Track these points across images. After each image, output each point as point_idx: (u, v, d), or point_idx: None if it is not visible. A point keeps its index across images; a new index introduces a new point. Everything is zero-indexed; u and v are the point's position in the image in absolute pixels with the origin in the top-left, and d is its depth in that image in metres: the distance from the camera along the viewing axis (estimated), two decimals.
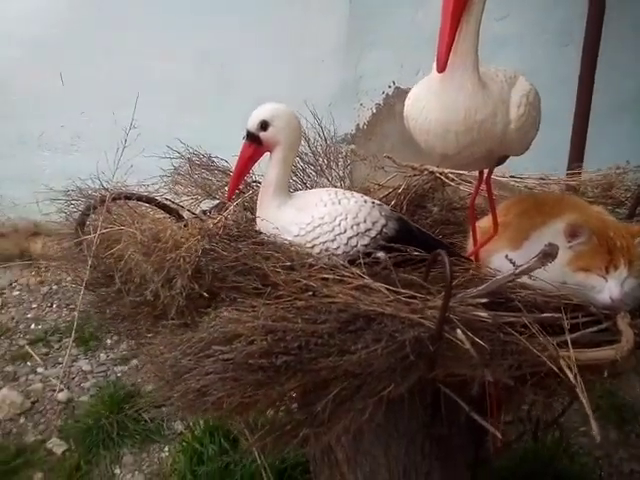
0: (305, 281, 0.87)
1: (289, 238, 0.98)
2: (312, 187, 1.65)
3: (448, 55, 0.91)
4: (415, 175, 1.89)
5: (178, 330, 0.88)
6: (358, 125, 3.46)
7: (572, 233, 1.00)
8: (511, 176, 1.76)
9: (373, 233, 0.98)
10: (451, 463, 1.42)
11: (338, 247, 0.97)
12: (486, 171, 1.17)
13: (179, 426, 2.21)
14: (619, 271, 0.98)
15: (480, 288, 0.89)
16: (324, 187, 1.70)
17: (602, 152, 2.40)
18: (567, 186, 1.61)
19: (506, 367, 0.89)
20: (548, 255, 0.83)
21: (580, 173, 1.82)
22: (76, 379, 2.51)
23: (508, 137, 1.00)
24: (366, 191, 1.87)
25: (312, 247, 0.97)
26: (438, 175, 1.88)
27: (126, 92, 3.01)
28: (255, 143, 0.99)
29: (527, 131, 1.04)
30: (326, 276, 0.89)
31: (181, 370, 0.83)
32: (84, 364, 2.59)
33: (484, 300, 0.87)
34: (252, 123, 0.97)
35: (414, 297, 0.88)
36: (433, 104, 0.97)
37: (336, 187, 1.73)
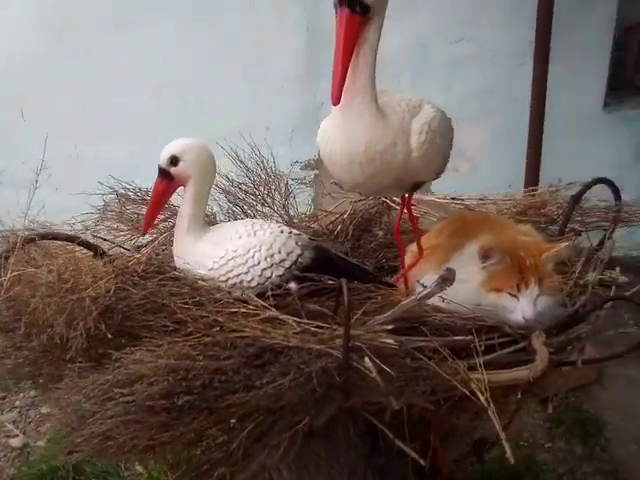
0: (212, 316, 0.87)
1: (203, 272, 0.98)
2: (254, 217, 1.67)
3: (341, 87, 0.92)
4: (361, 200, 1.91)
5: (86, 373, 0.87)
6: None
7: (484, 254, 1.01)
8: (452, 198, 1.79)
9: (288, 263, 0.99)
10: None
11: (252, 279, 0.97)
12: (408, 196, 1.18)
13: (138, 467, 2.15)
14: (530, 289, 0.98)
15: (386, 314, 0.89)
16: (267, 216, 1.72)
17: (559, 168, 2.47)
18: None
19: (419, 393, 0.89)
20: (446, 280, 0.83)
21: (535, 192, 1.84)
22: (32, 423, 2.44)
23: (412, 165, 1.02)
24: (314, 218, 1.90)
25: (226, 280, 0.97)
26: (384, 199, 1.90)
27: (88, 125, 3.05)
28: (167, 179, 1.00)
29: (431, 158, 1.05)
30: (234, 310, 0.89)
31: (85, 414, 0.82)
32: (43, 407, 2.52)
33: (390, 327, 0.87)
34: (162, 159, 0.98)
35: (322, 327, 0.88)
36: (336, 136, 0.99)
37: (279, 215, 1.75)
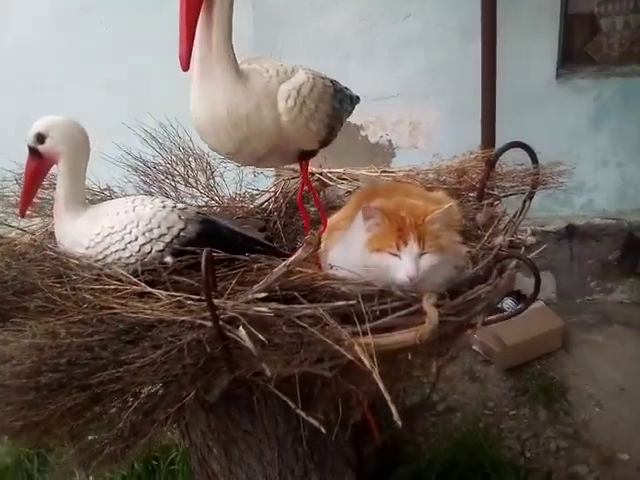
0: (82, 294, 0.86)
1: (81, 251, 0.96)
2: (178, 199, 1.65)
3: (189, 51, 0.91)
4: (294, 177, 1.89)
5: None
6: None
7: (366, 215, 1.00)
8: (383, 171, 1.78)
9: (168, 238, 0.97)
10: (327, 464, 1.41)
11: (130, 255, 0.95)
12: (303, 166, 1.17)
13: None
14: (409, 247, 0.97)
15: (259, 284, 0.88)
16: (194, 197, 1.70)
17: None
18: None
19: (303, 360, 0.88)
20: (309, 244, 0.82)
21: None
22: None
23: (285, 131, 1.01)
24: (249, 198, 1.88)
25: (104, 258, 0.96)
26: (319, 176, 1.89)
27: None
28: (36, 157, 0.98)
29: (305, 124, 1.04)
30: (104, 287, 0.88)
31: None
32: None
33: (262, 295, 0.86)
34: (29, 137, 0.96)
35: (193, 300, 0.87)
36: (200, 103, 0.97)
37: (208, 196, 1.73)
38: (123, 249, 0.94)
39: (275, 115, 0.99)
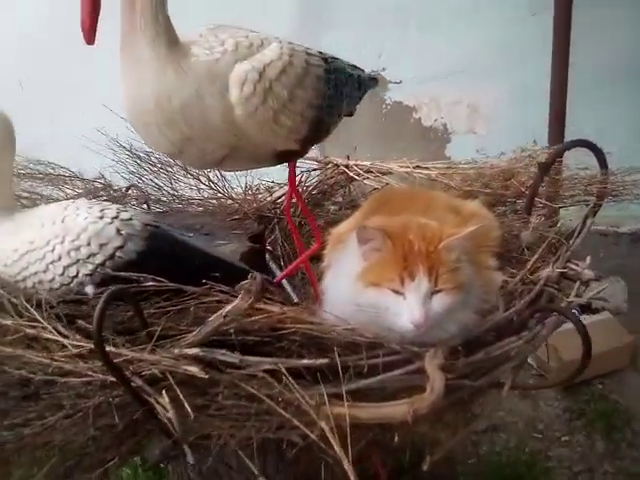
0: None
1: (1, 269, 0.78)
2: (173, 193, 1.46)
3: (93, 20, 0.68)
4: (315, 169, 1.66)
5: None
6: None
7: (362, 238, 0.76)
8: (416, 166, 1.51)
9: (99, 259, 0.77)
10: None
11: (53, 279, 0.76)
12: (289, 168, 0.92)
13: None
14: (417, 282, 0.72)
15: (192, 335, 0.66)
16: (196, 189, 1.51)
17: (586, 126, 2.11)
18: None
19: (257, 428, 0.67)
20: (247, 292, 0.60)
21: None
22: None
23: (242, 128, 0.76)
24: (265, 191, 1.67)
25: (23, 280, 0.77)
26: (344, 169, 1.64)
27: None
28: None
29: (271, 118, 0.78)
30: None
31: None
32: None
33: (195, 351, 0.65)
34: None
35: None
36: (123, 90, 0.74)
37: (214, 189, 1.53)
38: (44, 271, 0.75)
39: (225, 107, 0.74)
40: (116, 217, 0.80)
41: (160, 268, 0.79)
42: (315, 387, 0.70)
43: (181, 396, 0.62)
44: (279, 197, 1.59)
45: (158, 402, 0.62)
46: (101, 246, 0.76)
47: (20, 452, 0.68)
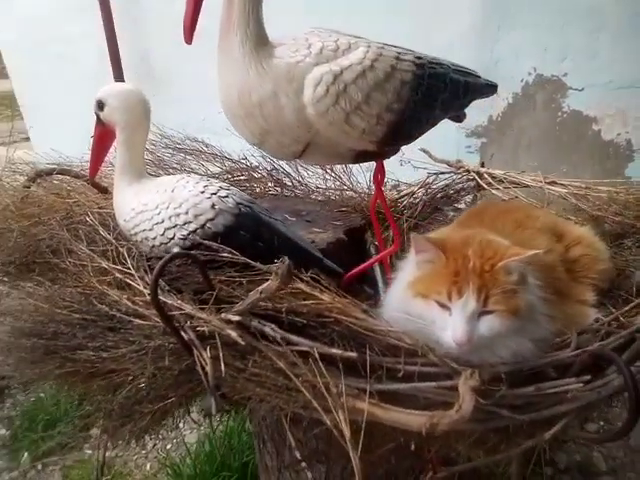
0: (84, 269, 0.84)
1: (121, 223, 0.95)
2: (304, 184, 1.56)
3: (193, 20, 0.76)
4: (445, 173, 1.64)
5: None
6: (491, 117, 3.08)
7: (416, 247, 0.76)
8: (551, 182, 1.40)
9: (192, 227, 0.88)
10: None
11: (155, 237, 0.90)
12: (375, 168, 0.94)
13: None
14: (464, 299, 0.71)
15: (238, 304, 0.74)
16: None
17: None
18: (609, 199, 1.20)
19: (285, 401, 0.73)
20: (276, 274, 0.65)
21: None
22: None
23: (314, 126, 0.79)
24: (393, 188, 1.70)
25: (135, 234, 0.93)
26: (475, 176, 1.60)
27: None
28: (100, 123, 0.98)
29: (343, 119, 0.80)
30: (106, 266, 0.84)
31: None
32: None
33: (235, 317, 0.72)
34: (94, 103, 0.96)
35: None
36: (218, 81, 0.82)
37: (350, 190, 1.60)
38: (150, 229, 0.90)
39: (298, 106, 0.79)
40: (215, 193, 0.92)
41: (242, 243, 0.90)
42: (344, 377, 0.74)
43: (220, 354, 0.71)
44: (400, 197, 1.61)
45: (201, 355, 0.72)
46: (196, 216, 0.89)
47: (103, 375, 0.83)
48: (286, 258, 0.68)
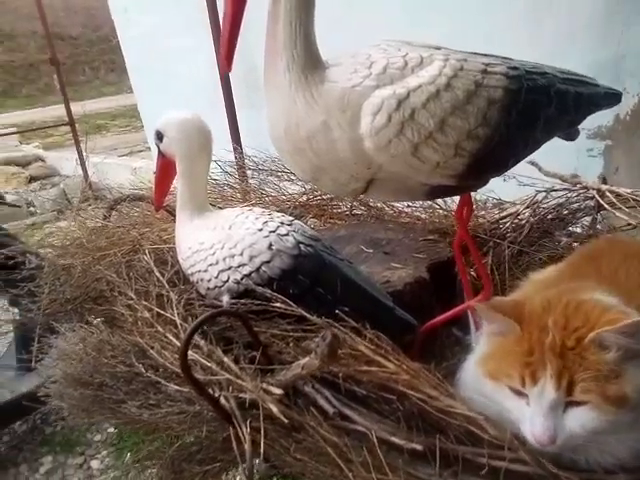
0: (138, 314, 0.79)
1: (180, 261, 0.88)
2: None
3: (230, 48, 0.65)
4: (558, 190, 1.41)
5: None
6: (618, 116, 2.70)
7: (484, 315, 0.61)
8: None
9: (247, 270, 0.79)
10: None
11: (210, 279, 0.82)
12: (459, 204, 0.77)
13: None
14: (540, 387, 0.54)
15: (280, 375, 0.63)
16: None
17: None
18: None
19: None
20: (329, 345, 0.53)
21: None
22: None
23: (377, 160, 0.65)
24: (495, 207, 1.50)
25: (192, 275, 0.85)
26: (593, 192, 1.36)
27: None
28: (161, 154, 0.92)
29: (410, 151, 0.65)
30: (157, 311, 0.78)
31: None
32: None
33: (278, 391, 0.62)
34: (154, 133, 0.90)
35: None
36: (266, 115, 0.70)
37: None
38: (204, 270, 0.83)
39: (353, 138, 0.65)
40: (273, 231, 0.82)
41: (300, 289, 0.79)
42: (411, 466, 0.61)
43: (261, 433, 0.61)
44: (502, 218, 1.41)
45: (240, 428, 0.62)
46: (251, 258, 0.80)
47: (147, 429, 0.77)
48: (328, 333, 0.56)
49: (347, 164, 0.68)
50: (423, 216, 1.40)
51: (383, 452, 0.61)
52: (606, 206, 1.30)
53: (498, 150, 0.69)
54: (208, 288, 0.83)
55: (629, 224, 1.24)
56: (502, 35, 2.43)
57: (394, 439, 0.60)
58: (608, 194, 1.32)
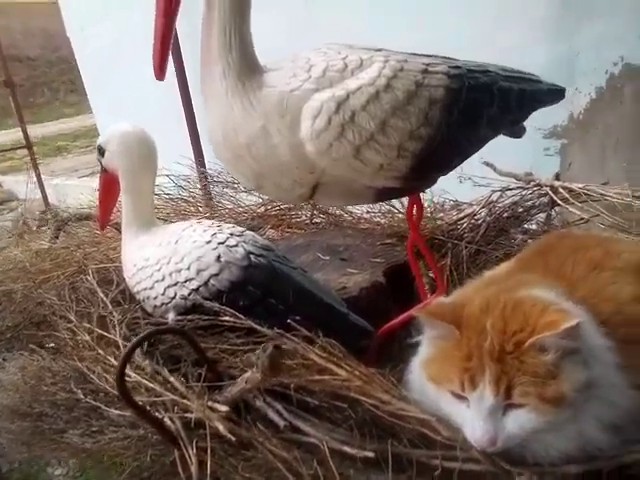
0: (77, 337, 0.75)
1: (126, 279, 0.85)
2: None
3: (163, 55, 0.64)
4: (513, 188, 1.43)
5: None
6: (572, 114, 2.77)
7: (424, 320, 0.59)
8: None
9: (195, 284, 0.76)
10: None
11: (156, 297, 0.79)
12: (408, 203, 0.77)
13: None
14: (479, 391, 0.53)
15: (226, 392, 0.61)
16: None
17: None
18: None
19: None
20: (255, 365, 0.51)
21: None
22: None
23: (319, 164, 0.64)
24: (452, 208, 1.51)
25: (137, 293, 0.83)
26: (548, 191, 1.37)
27: None
28: (103, 170, 0.89)
29: (351, 154, 0.64)
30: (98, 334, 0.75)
31: None
32: None
33: (224, 408, 0.59)
34: (96, 149, 0.87)
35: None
36: (207, 123, 0.68)
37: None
38: (150, 287, 0.80)
39: (294, 143, 0.64)
40: (222, 242, 0.80)
41: (251, 300, 0.77)
42: (364, 475, 0.59)
43: (208, 453, 0.58)
44: (460, 219, 1.42)
45: (187, 450, 0.60)
46: (199, 272, 0.77)
47: (94, 455, 0.74)
48: (269, 345, 0.54)
49: (289, 169, 0.66)
50: (382, 221, 1.39)
51: (336, 462, 0.59)
52: (559, 202, 1.32)
53: (441, 150, 0.68)
54: (155, 306, 0.80)
55: (582, 218, 1.26)
56: (457, 36, 2.46)
57: (346, 448, 0.58)
58: (561, 190, 1.34)
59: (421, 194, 0.83)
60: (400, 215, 1.40)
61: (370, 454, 0.57)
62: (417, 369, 0.62)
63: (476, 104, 0.70)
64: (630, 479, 0.58)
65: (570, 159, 2.43)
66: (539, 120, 2.53)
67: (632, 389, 0.59)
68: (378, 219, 1.40)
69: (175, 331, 0.65)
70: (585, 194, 1.30)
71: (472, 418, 0.54)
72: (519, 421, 0.53)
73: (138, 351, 0.70)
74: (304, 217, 1.48)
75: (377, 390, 0.63)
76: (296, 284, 0.80)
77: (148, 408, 0.62)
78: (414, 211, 0.81)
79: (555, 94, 0.84)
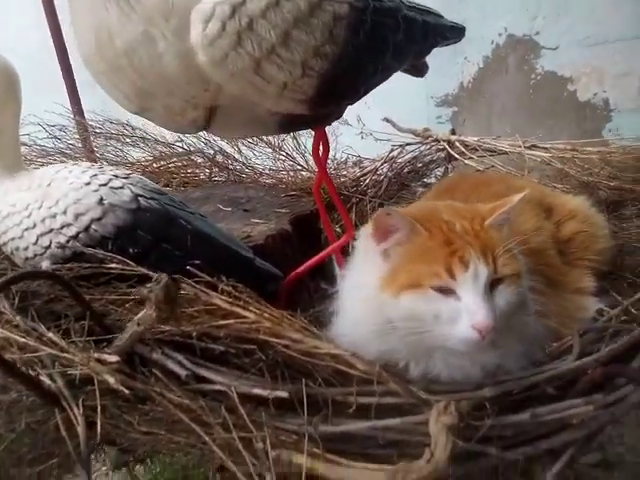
0: None
1: None
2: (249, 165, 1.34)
3: None
4: (410, 144, 1.44)
5: None
6: (462, 83, 2.88)
7: (380, 227, 0.56)
8: (531, 146, 1.22)
9: (73, 231, 0.67)
10: None
11: (27, 247, 0.69)
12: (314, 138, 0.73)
13: None
14: (473, 268, 0.52)
15: (117, 341, 0.54)
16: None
17: None
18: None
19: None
20: (148, 300, 0.45)
21: None
22: None
23: (213, 78, 0.57)
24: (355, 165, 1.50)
25: (4, 245, 0.71)
26: (445, 145, 1.40)
27: None
28: None
29: (251, 68, 0.58)
30: None
31: None
32: None
33: (114, 358, 0.52)
34: None
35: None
36: (74, 31, 0.59)
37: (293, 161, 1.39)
38: (20, 237, 0.69)
39: (183, 51, 0.56)
40: (105, 184, 0.70)
41: (142, 246, 0.69)
42: (278, 419, 0.55)
43: (98, 412, 0.51)
44: (363, 175, 1.41)
45: (72, 410, 0.51)
46: (77, 216, 0.67)
47: None
48: (164, 275, 0.47)
49: (179, 85, 0.58)
50: (285, 178, 1.35)
51: (248, 409, 0.54)
52: (456, 156, 1.35)
53: (348, 72, 0.63)
54: (27, 258, 0.69)
55: (478, 170, 1.30)
56: None
57: (256, 391, 0.53)
58: (457, 144, 1.37)
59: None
60: (304, 173, 1.36)
61: (284, 394, 0.53)
62: (364, 302, 0.58)
63: (382, 28, 0.66)
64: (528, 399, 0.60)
65: (459, 125, 2.53)
66: (432, 88, 2.62)
67: (538, 312, 0.60)
68: (281, 176, 1.35)
69: (47, 275, 0.55)
70: (479, 147, 1.34)
71: (470, 303, 0.51)
72: (505, 296, 0.53)
73: (7, 305, 0.60)
74: (202, 176, 1.39)
75: (288, 330, 0.59)
76: (195, 228, 0.73)
77: (21, 367, 0.53)
78: (320, 148, 0.77)
79: (456, 31, 0.84)
